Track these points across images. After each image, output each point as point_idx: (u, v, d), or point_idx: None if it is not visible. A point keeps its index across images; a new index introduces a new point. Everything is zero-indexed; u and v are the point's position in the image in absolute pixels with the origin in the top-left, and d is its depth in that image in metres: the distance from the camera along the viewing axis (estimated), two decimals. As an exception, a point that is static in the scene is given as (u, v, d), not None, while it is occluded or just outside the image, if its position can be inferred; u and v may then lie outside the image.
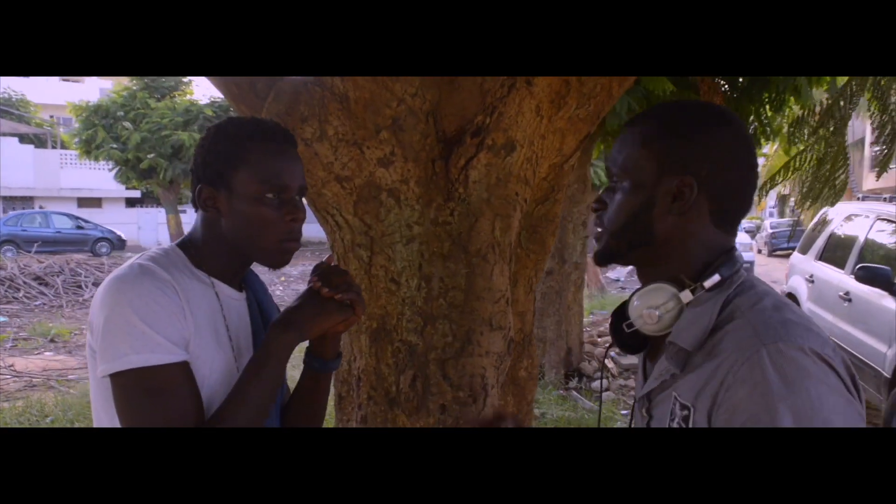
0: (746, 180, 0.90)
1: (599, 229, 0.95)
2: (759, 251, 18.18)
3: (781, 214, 29.12)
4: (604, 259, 0.95)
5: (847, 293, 4.46)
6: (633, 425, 1.03)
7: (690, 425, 0.80)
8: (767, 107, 4.79)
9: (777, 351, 0.74)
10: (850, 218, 5.14)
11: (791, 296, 5.74)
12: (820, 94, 4.85)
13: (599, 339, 6.16)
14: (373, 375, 1.77)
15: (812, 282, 5.32)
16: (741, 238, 14.23)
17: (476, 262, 1.72)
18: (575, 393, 4.88)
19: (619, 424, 4.28)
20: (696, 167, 0.87)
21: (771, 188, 5.49)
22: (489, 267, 1.73)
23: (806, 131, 4.78)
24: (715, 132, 0.89)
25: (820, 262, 5.34)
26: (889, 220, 4.53)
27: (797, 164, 4.99)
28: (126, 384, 0.94)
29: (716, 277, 0.85)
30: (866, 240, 4.66)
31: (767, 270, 16.13)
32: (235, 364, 1.09)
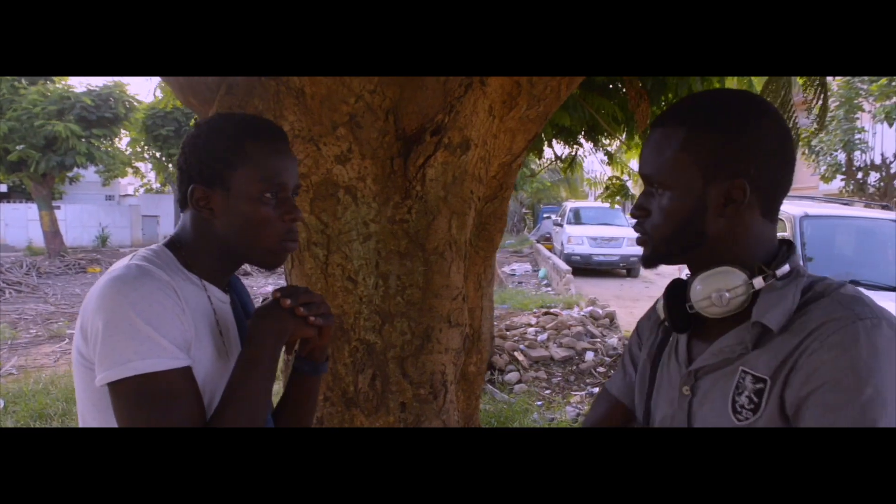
0: (790, 168, 0.90)
1: (642, 236, 0.93)
2: (643, 245, 19.19)
3: (661, 210, 30.80)
4: (653, 263, 0.95)
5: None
6: (654, 400, 1.03)
7: (764, 397, 0.83)
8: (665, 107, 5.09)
9: (873, 325, 0.77)
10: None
11: (685, 287, 6.11)
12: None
13: (508, 333, 6.31)
14: (329, 376, 1.75)
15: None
16: (628, 233, 14.97)
17: (434, 260, 1.73)
18: (489, 386, 4.98)
19: (534, 416, 4.41)
20: (745, 167, 0.86)
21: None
22: (446, 264, 1.75)
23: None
24: (758, 126, 0.87)
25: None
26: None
27: None
28: (129, 391, 0.89)
29: (786, 267, 0.87)
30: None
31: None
32: (228, 362, 1.05)
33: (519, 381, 5.22)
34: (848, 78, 12.39)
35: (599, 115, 4.95)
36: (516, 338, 6.15)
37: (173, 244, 1.06)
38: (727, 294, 0.87)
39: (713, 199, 0.87)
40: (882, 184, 13.37)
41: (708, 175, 0.86)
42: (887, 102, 11.64)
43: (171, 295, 0.94)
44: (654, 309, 1.10)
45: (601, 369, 5.62)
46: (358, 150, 1.65)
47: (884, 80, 11.74)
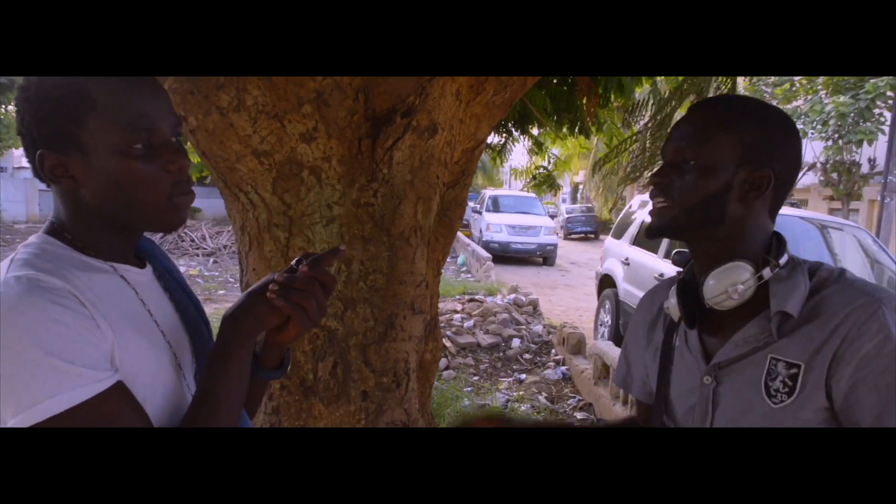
0: (795, 179, 1.00)
1: (664, 204, 0.99)
2: (557, 234, 19.71)
3: (574, 201, 31.70)
4: (669, 233, 1.00)
5: (661, 275, 4.99)
6: (673, 393, 1.07)
7: (799, 381, 0.90)
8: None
9: (893, 309, 0.86)
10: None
11: (608, 277, 6.30)
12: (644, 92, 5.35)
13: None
14: (286, 364, 1.68)
15: (628, 264, 5.87)
16: (546, 222, 15.29)
17: (398, 246, 1.69)
18: (418, 372, 4.98)
19: (465, 402, 4.44)
20: (775, 162, 0.95)
21: (627, 184, 5.99)
22: (411, 250, 1.71)
23: (634, 123, 5.22)
24: (791, 133, 0.98)
25: (634, 246, 5.91)
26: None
27: (619, 151, 5.47)
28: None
29: (785, 257, 0.96)
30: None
31: (566, 252, 17.51)
32: (174, 354, 0.90)
33: (447, 368, 5.24)
34: (754, 79, 13.07)
35: (532, 105, 5.00)
36: (443, 324, 6.16)
37: (53, 230, 0.87)
38: (741, 287, 0.94)
39: (739, 182, 0.95)
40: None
41: (742, 159, 0.94)
42: (788, 107, 12.38)
43: (70, 305, 0.76)
44: (646, 307, 1.15)
45: (527, 356, 5.72)
46: (324, 128, 1.58)
47: (787, 84, 12.47)
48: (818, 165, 13.33)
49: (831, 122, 11.59)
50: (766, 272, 0.95)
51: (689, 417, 1.04)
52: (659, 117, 4.66)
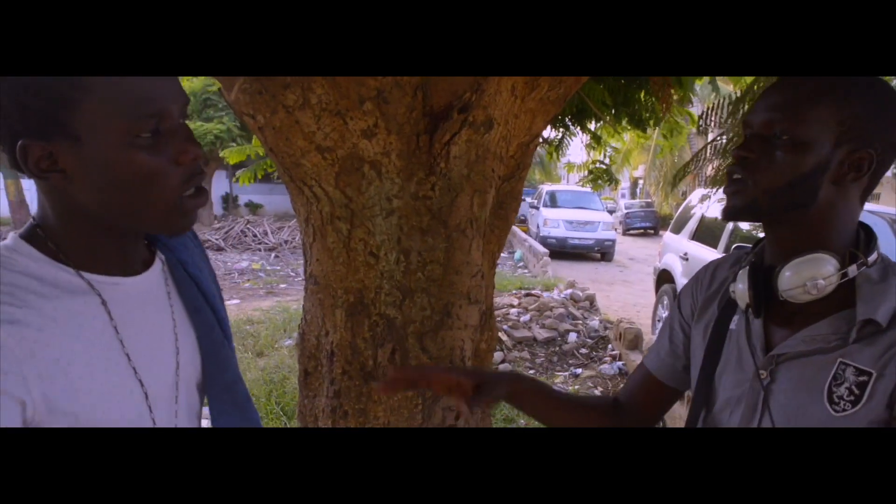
0: (892, 163, 0.90)
1: (742, 182, 0.90)
2: (615, 230, 19.45)
3: (633, 196, 31.20)
4: (747, 215, 0.92)
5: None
6: (718, 380, 1.01)
7: (867, 390, 0.83)
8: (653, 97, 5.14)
9: None
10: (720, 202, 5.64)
11: (666, 272, 6.22)
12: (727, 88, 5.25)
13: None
14: (348, 350, 1.76)
15: (686, 259, 5.80)
16: (604, 218, 15.12)
17: (455, 237, 1.75)
18: (474, 365, 5.04)
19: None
20: (877, 143, 0.85)
21: (683, 176, 5.89)
22: (467, 242, 1.76)
23: (713, 122, 5.14)
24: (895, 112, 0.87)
25: (693, 241, 5.83)
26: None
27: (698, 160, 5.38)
28: None
29: (875, 254, 0.88)
30: (733, 226, 5.15)
31: (625, 248, 17.29)
32: (136, 375, 0.78)
33: (503, 361, 5.29)
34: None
35: (590, 99, 4.98)
36: (499, 318, 6.21)
37: (32, 232, 0.75)
38: (822, 282, 0.86)
39: (837, 162, 0.86)
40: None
41: (842, 137, 0.85)
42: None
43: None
44: (697, 287, 1.12)
45: (583, 350, 5.71)
46: (384, 125, 1.65)
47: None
48: (892, 158, 12.78)
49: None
50: (853, 269, 0.87)
51: (729, 410, 0.97)
52: (731, 120, 4.52)
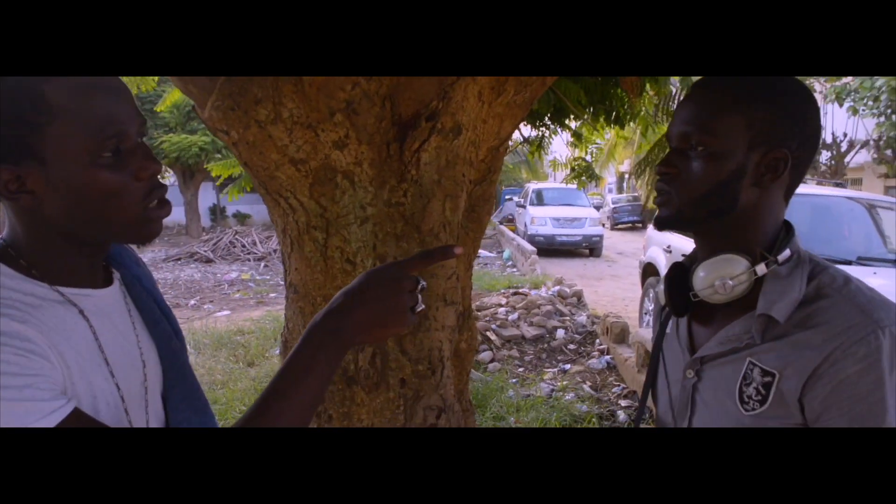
0: (814, 155, 0.92)
1: (667, 194, 0.92)
2: (604, 225, 19.55)
3: (620, 191, 31.35)
4: (673, 225, 0.94)
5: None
6: (664, 384, 1.04)
7: (772, 390, 0.85)
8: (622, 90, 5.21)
9: (892, 336, 0.79)
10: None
11: (651, 265, 6.30)
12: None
13: (479, 313, 6.42)
14: (329, 355, 1.80)
15: (670, 252, 5.87)
16: (591, 214, 15.22)
17: (429, 241, 1.80)
18: (463, 365, 5.09)
19: (510, 393, 4.53)
20: (790, 141, 0.87)
21: (643, 170, 5.92)
22: (441, 245, 1.81)
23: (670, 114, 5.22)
24: (808, 108, 0.89)
25: (675, 233, 5.91)
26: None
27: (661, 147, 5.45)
28: None
29: (787, 252, 0.89)
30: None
31: (613, 243, 17.39)
32: (114, 381, 0.81)
33: (493, 360, 5.34)
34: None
35: (566, 98, 5.04)
36: (487, 318, 6.26)
37: (5, 251, 0.78)
38: (730, 282, 0.89)
39: (753, 165, 0.88)
40: (833, 162, 13.84)
41: (754, 141, 0.87)
42: (837, 83, 12.04)
43: (18, 345, 0.69)
44: (658, 295, 1.15)
45: (572, 346, 5.77)
46: (355, 135, 1.70)
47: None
48: (871, 143, 12.93)
49: (883, 97, 11.24)
50: (761, 268, 0.89)
51: (669, 408, 1.00)
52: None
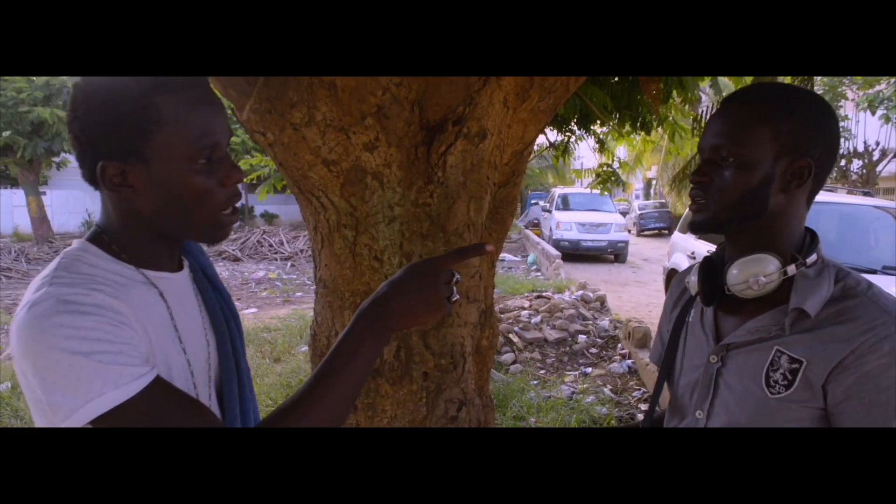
0: (833, 165, 1.01)
1: (702, 201, 1.01)
2: (629, 231, 19.45)
3: (647, 197, 31.14)
4: (709, 228, 1.02)
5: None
6: (678, 364, 1.13)
7: (799, 376, 0.94)
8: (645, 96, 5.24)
9: None
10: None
11: (674, 271, 6.30)
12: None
13: (502, 316, 6.47)
14: (356, 348, 1.88)
15: (694, 258, 5.88)
16: (616, 219, 15.17)
17: (453, 241, 1.87)
18: (485, 366, 5.15)
19: (531, 394, 4.58)
20: (814, 150, 0.95)
21: (683, 178, 5.92)
22: (465, 245, 1.89)
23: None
24: (828, 119, 0.98)
25: (700, 240, 5.91)
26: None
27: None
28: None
29: (814, 257, 0.98)
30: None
31: (639, 249, 17.30)
32: (185, 359, 0.92)
33: (514, 362, 5.39)
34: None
35: (591, 104, 5.09)
36: (510, 320, 6.31)
37: (97, 236, 0.90)
38: (763, 279, 0.97)
39: (780, 174, 0.96)
40: (864, 171, 13.65)
41: (781, 151, 0.96)
42: (870, 91, 11.88)
43: (105, 314, 0.78)
44: (676, 286, 1.24)
45: (594, 350, 5.80)
46: (385, 138, 1.78)
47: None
48: (904, 152, 12.73)
49: (916, 106, 11.08)
50: (791, 269, 0.97)
51: (689, 392, 1.08)
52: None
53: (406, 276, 0.90)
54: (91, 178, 0.86)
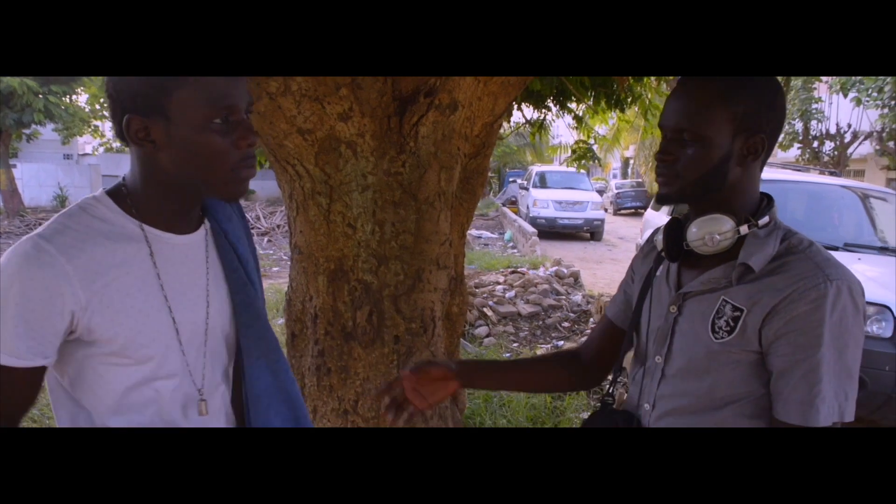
0: (779, 135, 1.11)
1: (667, 177, 1.09)
2: (606, 210, 19.63)
3: (624, 176, 31.36)
4: (674, 201, 1.12)
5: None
6: (645, 314, 1.22)
7: (739, 323, 1.04)
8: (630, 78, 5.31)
9: (837, 288, 0.99)
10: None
11: (646, 247, 6.42)
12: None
13: (477, 290, 6.56)
14: (330, 312, 1.95)
15: (664, 235, 6.00)
16: (593, 198, 15.31)
17: (424, 209, 1.93)
18: (461, 339, 5.24)
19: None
20: (766, 125, 1.05)
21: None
22: (436, 213, 1.95)
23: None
24: (779, 96, 1.07)
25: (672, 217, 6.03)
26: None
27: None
28: None
29: (766, 218, 1.08)
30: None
31: (615, 227, 17.48)
32: (170, 314, 0.99)
33: (488, 335, 5.49)
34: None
35: (568, 81, 5.14)
36: (485, 295, 6.41)
37: (117, 189, 0.98)
38: (717, 237, 1.07)
39: (737, 150, 1.06)
40: (836, 152, 13.88)
41: (738, 129, 1.05)
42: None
43: (50, 286, 0.87)
44: (647, 245, 1.33)
45: (566, 324, 5.92)
46: (358, 109, 1.83)
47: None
48: (874, 134, 12.97)
49: (887, 88, 11.27)
50: (744, 228, 1.06)
51: (653, 338, 1.19)
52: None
53: None
54: (120, 133, 0.93)
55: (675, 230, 1.16)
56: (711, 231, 1.07)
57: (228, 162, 0.93)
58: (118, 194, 0.97)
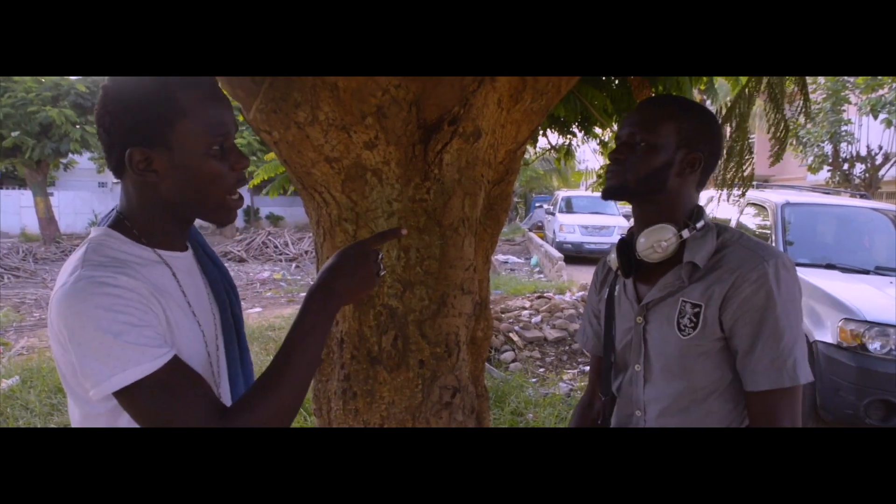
0: (716, 165, 1.27)
1: (614, 173, 1.27)
2: (633, 235, 19.50)
3: (651, 200, 31.06)
4: (619, 194, 1.27)
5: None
6: (615, 331, 1.35)
7: (700, 318, 1.16)
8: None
9: (774, 265, 1.15)
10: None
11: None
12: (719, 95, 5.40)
13: (503, 315, 6.56)
14: (356, 337, 1.98)
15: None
16: (619, 222, 15.24)
17: (449, 235, 1.96)
18: (487, 364, 5.23)
19: (529, 391, 4.66)
20: (703, 146, 1.25)
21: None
22: (460, 239, 1.98)
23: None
24: (716, 125, 1.25)
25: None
26: (756, 205, 5.20)
27: None
28: (129, 401, 0.90)
29: (702, 222, 1.26)
30: (738, 222, 5.32)
31: (641, 252, 17.31)
32: (200, 330, 1.05)
33: (514, 360, 5.47)
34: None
35: (592, 107, 5.17)
36: (511, 320, 6.40)
37: (118, 221, 1.01)
38: (664, 243, 1.22)
39: (678, 161, 1.25)
40: (867, 175, 13.68)
41: (680, 143, 1.26)
42: (872, 95, 11.92)
43: (131, 297, 0.90)
44: (601, 270, 1.49)
45: (592, 349, 5.88)
46: (384, 137, 1.87)
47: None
48: (906, 157, 12.75)
49: (918, 110, 11.10)
50: (685, 232, 1.22)
51: (627, 351, 1.30)
52: (732, 122, 4.65)
53: (340, 260, 1.04)
54: (117, 167, 0.98)
55: (625, 247, 1.32)
56: (658, 239, 1.22)
57: (225, 185, 1.00)
58: (122, 226, 1.01)
